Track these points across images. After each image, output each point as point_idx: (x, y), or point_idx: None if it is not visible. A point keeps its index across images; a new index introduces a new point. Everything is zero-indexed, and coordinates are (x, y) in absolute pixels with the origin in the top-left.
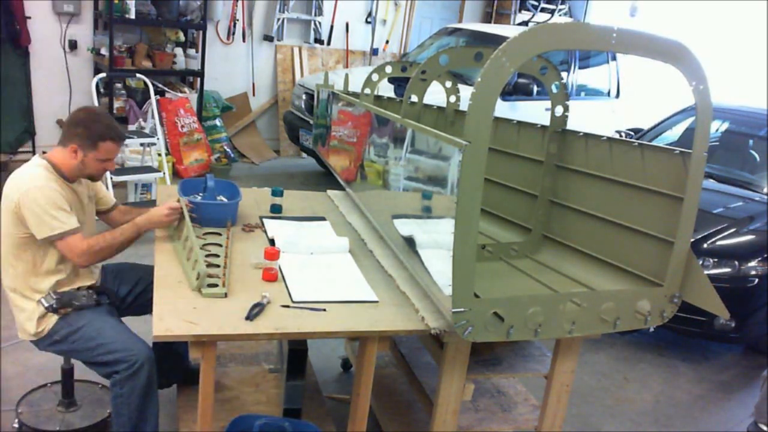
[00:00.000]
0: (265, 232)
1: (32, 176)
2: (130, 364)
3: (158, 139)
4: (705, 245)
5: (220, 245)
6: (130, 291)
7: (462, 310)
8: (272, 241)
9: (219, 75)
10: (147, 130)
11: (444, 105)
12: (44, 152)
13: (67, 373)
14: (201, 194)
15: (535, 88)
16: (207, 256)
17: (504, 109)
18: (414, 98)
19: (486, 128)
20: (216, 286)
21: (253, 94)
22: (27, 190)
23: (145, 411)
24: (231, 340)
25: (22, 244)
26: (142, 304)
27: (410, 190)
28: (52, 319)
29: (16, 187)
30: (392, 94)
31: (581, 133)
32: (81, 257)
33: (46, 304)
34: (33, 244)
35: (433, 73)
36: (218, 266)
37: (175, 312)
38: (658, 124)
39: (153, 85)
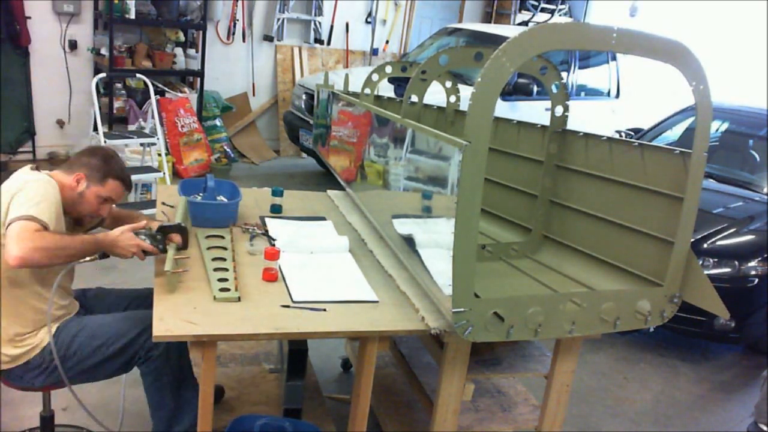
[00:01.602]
0: (265, 234)
1: (36, 175)
2: (146, 336)
3: (158, 139)
4: (705, 245)
5: (225, 248)
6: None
7: (462, 310)
8: (272, 241)
9: (219, 75)
10: (147, 130)
11: (444, 105)
12: (64, 159)
13: (47, 420)
14: (201, 194)
15: (535, 88)
16: (213, 259)
17: (504, 109)
18: (414, 98)
19: (486, 128)
20: (228, 290)
21: (253, 94)
22: (25, 182)
23: (180, 395)
24: (231, 340)
25: None
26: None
27: (410, 190)
28: (40, 344)
29: (14, 185)
30: (392, 94)
31: (581, 133)
32: (21, 244)
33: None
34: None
35: (433, 73)
36: (226, 269)
37: (175, 312)
38: (658, 124)
39: (153, 85)
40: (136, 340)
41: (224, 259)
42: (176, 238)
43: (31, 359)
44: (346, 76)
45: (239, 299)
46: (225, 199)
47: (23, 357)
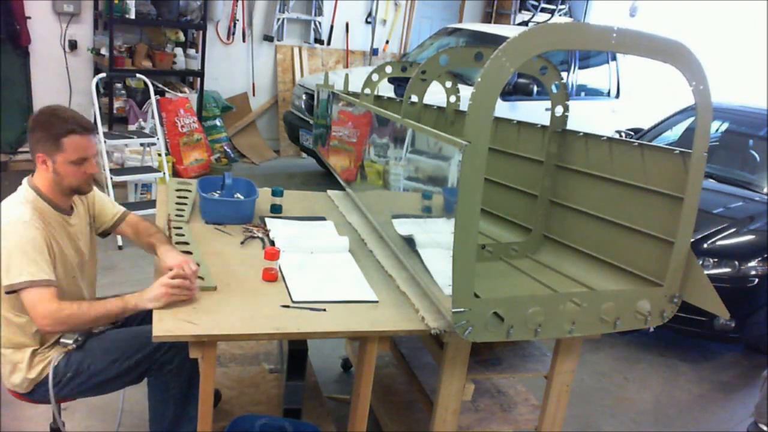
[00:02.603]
0: (261, 239)
1: (12, 208)
2: (162, 351)
3: (158, 139)
4: (705, 245)
5: (187, 243)
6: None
7: (462, 310)
8: (272, 241)
9: (219, 75)
10: (147, 130)
11: (443, 105)
12: (32, 174)
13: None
14: (219, 192)
15: (535, 88)
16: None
17: (504, 109)
18: (414, 98)
19: (486, 128)
20: (202, 278)
21: (253, 94)
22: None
23: (183, 410)
24: (231, 340)
25: None
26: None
27: (410, 190)
28: (50, 361)
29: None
30: (392, 94)
31: (581, 133)
32: (45, 319)
33: (72, 341)
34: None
35: (433, 73)
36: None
37: (175, 312)
38: (658, 124)
39: (153, 85)
40: (151, 356)
41: (191, 253)
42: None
43: (45, 377)
44: (346, 76)
45: (215, 288)
46: (241, 197)
47: (39, 377)
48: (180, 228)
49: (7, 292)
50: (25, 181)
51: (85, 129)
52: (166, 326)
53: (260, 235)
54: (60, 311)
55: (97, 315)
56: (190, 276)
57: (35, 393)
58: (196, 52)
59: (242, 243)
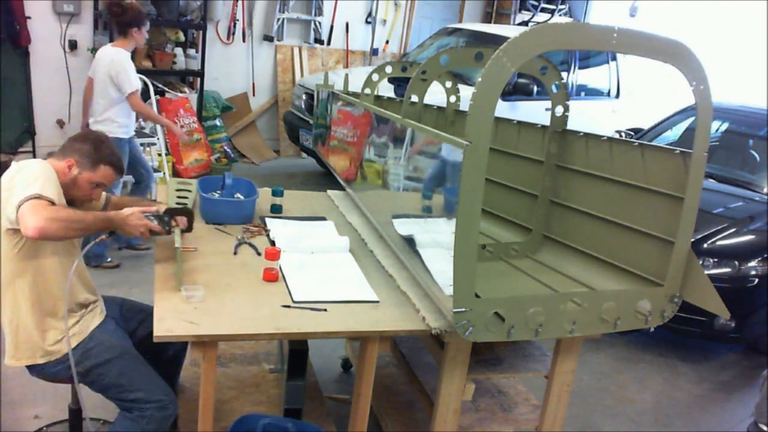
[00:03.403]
0: (253, 246)
1: (30, 161)
2: (160, 406)
3: (158, 139)
4: (705, 245)
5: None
6: (134, 330)
7: (463, 310)
8: (273, 241)
9: (219, 75)
10: (147, 130)
11: (441, 104)
12: (49, 154)
13: (76, 413)
14: (219, 192)
15: (535, 88)
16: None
17: (504, 109)
18: (414, 98)
19: (487, 128)
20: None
21: (253, 94)
22: (22, 166)
23: None
24: (232, 340)
25: (21, 255)
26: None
27: (411, 190)
28: (71, 342)
29: (11, 171)
30: (392, 94)
31: (581, 133)
32: (37, 215)
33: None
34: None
35: (433, 73)
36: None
37: (176, 312)
38: (658, 124)
39: (153, 85)
40: (151, 403)
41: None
42: (182, 220)
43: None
44: (346, 76)
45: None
46: (241, 197)
47: (57, 353)
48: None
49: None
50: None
51: (121, 171)
52: (167, 326)
53: (250, 241)
54: (57, 212)
55: (88, 223)
56: (151, 228)
57: (45, 368)
58: (196, 52)
59: (235, 253)
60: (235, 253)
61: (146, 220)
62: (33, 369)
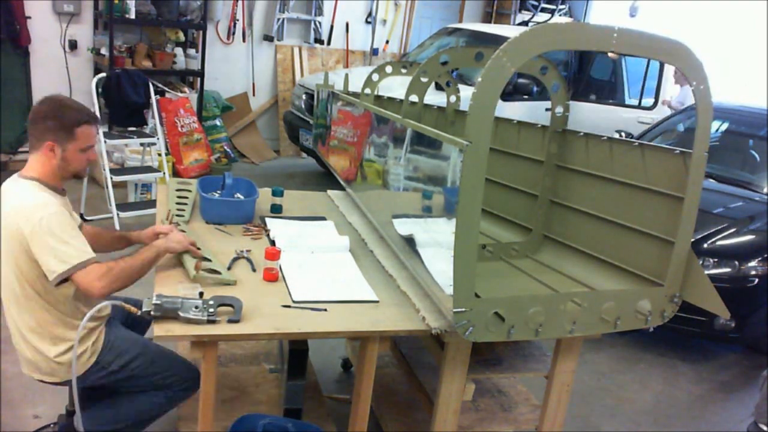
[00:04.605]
0: (250, 260)
1: (37, 199)
2: (188, 385)
3: (158, 139)
4: (705, 245)
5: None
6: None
7: (463, 310)
8: (273, 241)
9: (219, 75)
10: (147, 130)
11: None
12: (17, 172)
13: (70, 414)
14: (219, 192)
15: (535, 88)
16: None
17: (502, 109)
18: (414, 98)
19: (487, 128)
20: (219, 273)
21: (253, 94)
22: (40, 219)
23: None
24: (232, 340)
25: (32, 287)
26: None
27: (411, 190)
28: (95, 350)
29: (24, 218)
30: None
31: (581, 133)
32: (101, 282)
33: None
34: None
35: (434, 73)
36: (210, 260)
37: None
38: (658, 124)
39: (153, 85)
40: (184, 380)
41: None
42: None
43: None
44: (346, 76)
45: (236, 283)
46: (241, 197)
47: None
48: (184, 231)
49: (60, 282)
50: (16, 177)
51: (94, 119)
52: (167, 326)
53: (246, 255)
54: (110, 270)
55: (142, 264)
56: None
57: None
58: (196, 52)
59: (229, 268)
60: (229, 268)
61: (187, 236)
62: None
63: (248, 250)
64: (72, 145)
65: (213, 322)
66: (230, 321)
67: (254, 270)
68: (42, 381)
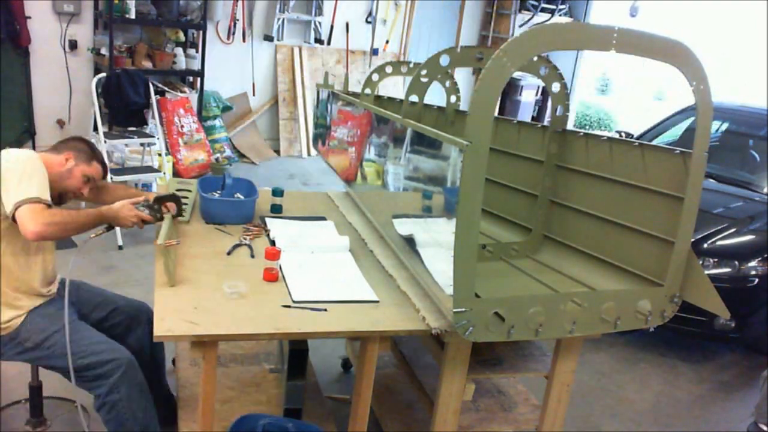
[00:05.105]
0: (249, 246)
1: (23, 151)
2: (116, 365)
3: (158, 139)
4: (705, 245)
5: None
6: (89, 314)
7: (463, 310)
8: (273, 241)
9: (219, 75)
10: (147, 130)
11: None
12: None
13: (35, 390)
14: (219, 192)
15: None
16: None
17: None
18: (414, 98)
19: (487, 128)
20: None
21: (253, 94)
22: (9, 155)
23: (149, 410)
24: (232, 340)
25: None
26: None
27: (411, 190)
28: (20, 319)
29: (3, 160)
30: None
31: (581, 133)
32: (36, 221)
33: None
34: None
35: (434, 73)
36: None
37: (176, 312)
38: (658, 124)
39: (153, 85)
40: (111, 360)
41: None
42: (171, 206)
43: (7, 335)
44: (346, 75)
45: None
46: (242, 197)
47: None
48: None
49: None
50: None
51: (106, 174)
52: (167, 326)
53: (248, 242)
54: (51, 215)
55: (80, 223)
56: (143, 218)
57: (4, 350)
58: (196, 52)
59: (229, 253)
60: (229, 254)
61: (137, 211)
62: None
63: (249, 237)
64: (83, 168)
65: (160, 219)
66: (174, 216)
67: (253, 256)
68: None
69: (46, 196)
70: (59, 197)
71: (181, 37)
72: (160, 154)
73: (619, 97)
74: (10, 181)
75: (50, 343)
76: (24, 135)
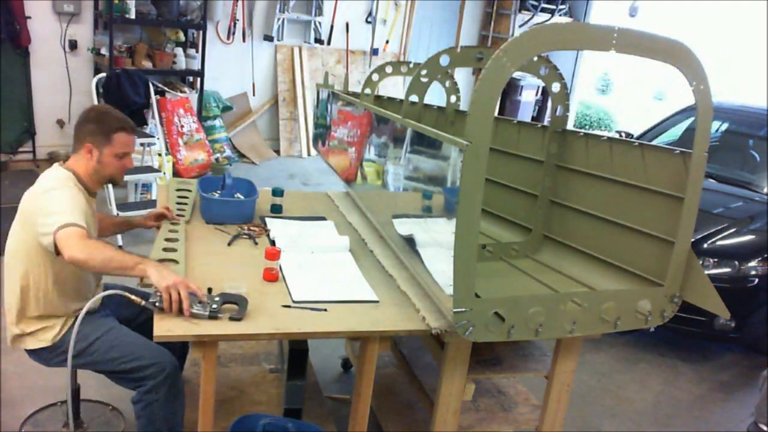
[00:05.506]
0: (250, 236)
1: (53, 180)
2: (160, 368)
3: (158, 139)
4: (705, 245)
5: (178, 240)
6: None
7: (463, 310)
8: (273, 241)
9: (219, 75)
10: (147, 130)
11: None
12: (64, 161)
13: (73, 393)
14: (219, 192)
15: None
16: (164, 249)
17: None
18: (414, 98)
19: (487, 128)
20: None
21: (253, 94)
22: (46, 190)
23: (179, 414)
24: (232, 340)
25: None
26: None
27: (411, 190)
28: (62, 331)
29: (35, 191)
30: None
31: (581, 133)
32: (77, 250)
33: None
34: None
35: (434, 72)
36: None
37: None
38: (658, 124)
39: (153, 85)
40: (153, 365)
41: (175, 250)
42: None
43: (56, 343)
44: (346, 75)
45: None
46: (242, 197)
47: (48, 340)
48: (176, 231)
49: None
50: (56, 165)
51: (132, 128)
52: (167, 326)
53: (248, 232)
54: (94, 247)
55: (120, 261)
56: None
57: (48, 358)
58: (196, 52)
59: (229, 244)
60: (229, 244)
61: (188, 302)
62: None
63: (250, 228)
64: (108, 150)
65: (215, 318)
66: (232, 318)
67: (256, 243)
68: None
69: (83, 223)
70: (110, 182)
71: (181, 37)
72: (160, 154)
73: (619, 97)
74: (52, 204)
75: (93, 349)
76: (24, 135)
